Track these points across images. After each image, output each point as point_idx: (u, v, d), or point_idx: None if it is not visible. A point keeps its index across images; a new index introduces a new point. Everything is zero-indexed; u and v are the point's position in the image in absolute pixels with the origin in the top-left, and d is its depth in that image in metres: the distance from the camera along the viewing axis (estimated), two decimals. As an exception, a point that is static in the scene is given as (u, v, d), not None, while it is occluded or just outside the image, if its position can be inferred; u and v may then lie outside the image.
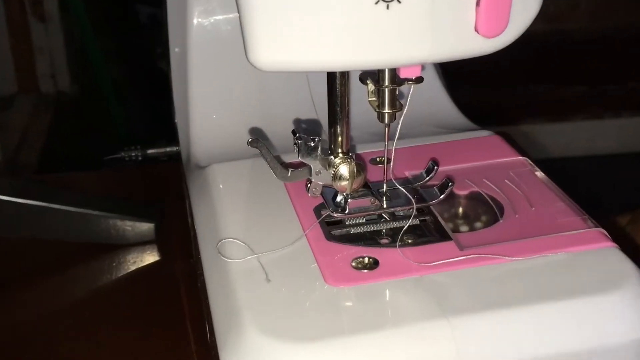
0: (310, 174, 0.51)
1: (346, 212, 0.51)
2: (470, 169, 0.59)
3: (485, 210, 0.55)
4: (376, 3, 0.42)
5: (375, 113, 0.50)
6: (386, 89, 0.48)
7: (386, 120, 0.49)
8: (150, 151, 0.77)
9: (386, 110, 0.49)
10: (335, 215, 0.51)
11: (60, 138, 1.27)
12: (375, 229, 0.51)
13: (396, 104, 0.49)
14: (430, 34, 0.43)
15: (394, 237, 0.50)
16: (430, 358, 0.43)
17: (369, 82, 0.50)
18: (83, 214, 0.66)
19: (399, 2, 0.42)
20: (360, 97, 0.53)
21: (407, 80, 0.47)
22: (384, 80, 0.48)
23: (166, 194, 0.74)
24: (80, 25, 1.37)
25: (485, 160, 0.60)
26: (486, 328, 0.44)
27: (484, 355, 0.44)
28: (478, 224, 0.54)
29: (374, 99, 0.50)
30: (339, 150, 0.51)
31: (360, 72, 0.51)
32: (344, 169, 0.50)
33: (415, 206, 0.51)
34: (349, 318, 0.44)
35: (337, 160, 0.50)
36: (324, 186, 0.51)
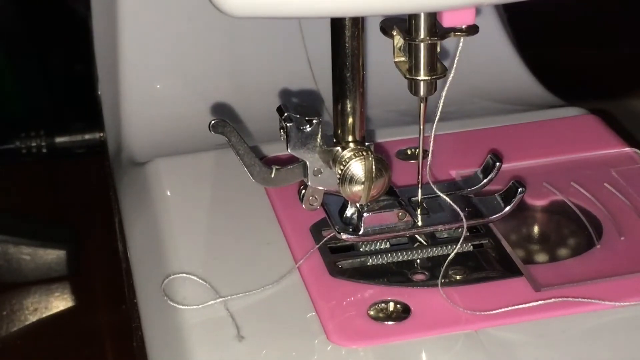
0: (306, 175, 0.51)
1: (360, 232, 0.51)
2: (552, 166, 0.59)
3: (574, 231, 0.55)
4: None
5: (405, 81, 0.50)
6: (422, 44, 0.48)
7: (422, 93, 0.49)
8: (60, 139, 0.78)
9: (421, 76, 0.49)
10: (343, 237, 0.51)
11: None
12: (406, 258, 0.52)
13: (437, 67, 0.49)
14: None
15: (433, 271, 0.51)
16: None
17: (394, 33, 0.50)
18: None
19: None
20: (382, 56, 0.53)
21: (454, 30, 0.47)
22: (418, 30, 0.48)
23: (84, 204, 0.74)
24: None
25: (574, 152, 0.60)
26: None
27: None
28: (563, 252, 0.54)
29: (402, 59, 0.50)
30: (350, 138, 0.51)
31: (382, 19, 0.51)
32: (356, 167, 0.50)
33: (466, 223, 0.51)
34: (364, 395, 0.45)
35: (347, 154, 0.50)
36: (325, 193, 0.52)
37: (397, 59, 0.50)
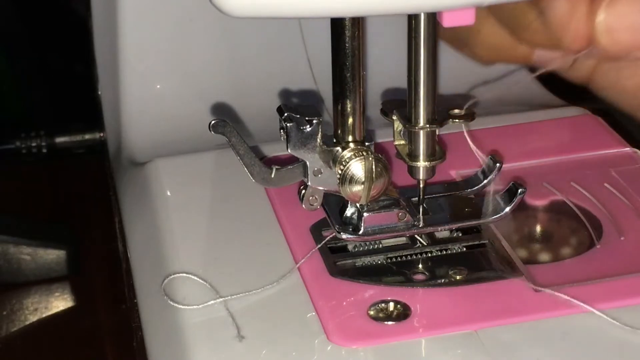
0: (306, 175, 0.51)
1: (360, 232, 0.51)
2: (552, 166, 0.59)
3: (574, 230, 0.55)
4: None
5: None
6: (421, 132, 0.49)
7: (421, 176, 0.51)
8: (59, 139, 0.78)
9: (421, 162, 0.50)
10: (343, 237, 0.51)
11: None
12: (406, 258, 0.52)
13: (436, 151, 0.50)
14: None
15: (433, 271, 0.51)
16: None
17: (395, 117, 0.51)
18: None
19: None
20: (382, 55, 0.53)
21: (452, 117, 0.49)
22: (417, 118, 0.49)
23: (84, 204, 0.74)
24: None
25: (574, 152, 0.60)
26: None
27: None
28: (563, 251, 0.54)
29: (402, 142, 0.51)
30: (350, 138, 0.51)
31: (383, 102, 0.52)
32: (357, 167, 0.50)
33: (466, 224, 0.51)
34: (364, 395, 0.44)
35: (347, 154, 0.50)
36: (326, 193, 0.52)
37: (396, 143, 0.51)
